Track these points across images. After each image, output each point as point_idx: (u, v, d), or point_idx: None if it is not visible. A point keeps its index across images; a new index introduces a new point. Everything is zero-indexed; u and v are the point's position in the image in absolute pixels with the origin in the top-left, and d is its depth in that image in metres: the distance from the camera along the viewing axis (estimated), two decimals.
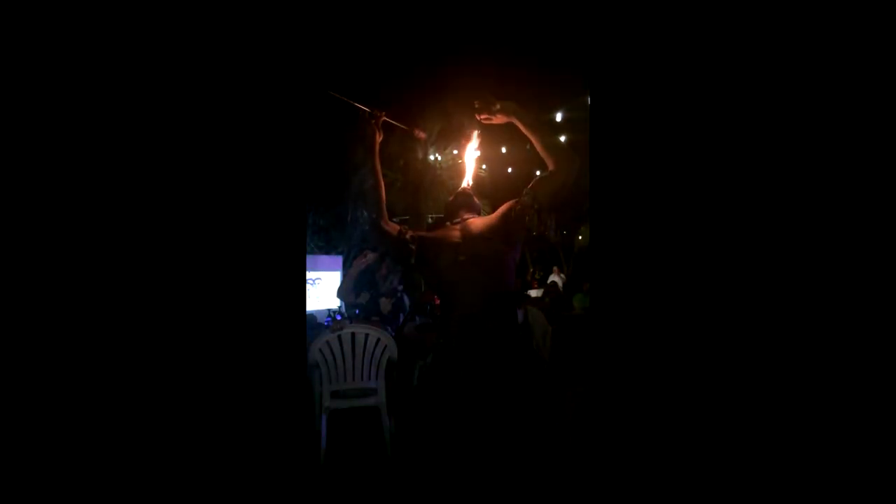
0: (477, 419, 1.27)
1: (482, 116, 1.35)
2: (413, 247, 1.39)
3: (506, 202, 1.39)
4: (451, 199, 1.55)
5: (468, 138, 1.59)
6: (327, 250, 8.12)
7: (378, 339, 2.55)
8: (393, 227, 1.42)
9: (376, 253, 3.14)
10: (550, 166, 1.28)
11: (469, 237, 1.33)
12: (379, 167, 1.43)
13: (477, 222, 1.38)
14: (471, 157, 1.61)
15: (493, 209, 1.42)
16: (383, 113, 1.49)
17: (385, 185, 1.45)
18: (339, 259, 7.65)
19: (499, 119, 1.34)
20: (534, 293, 6.49)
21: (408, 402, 2.91)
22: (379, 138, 1.46)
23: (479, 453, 1.28)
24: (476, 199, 1.54)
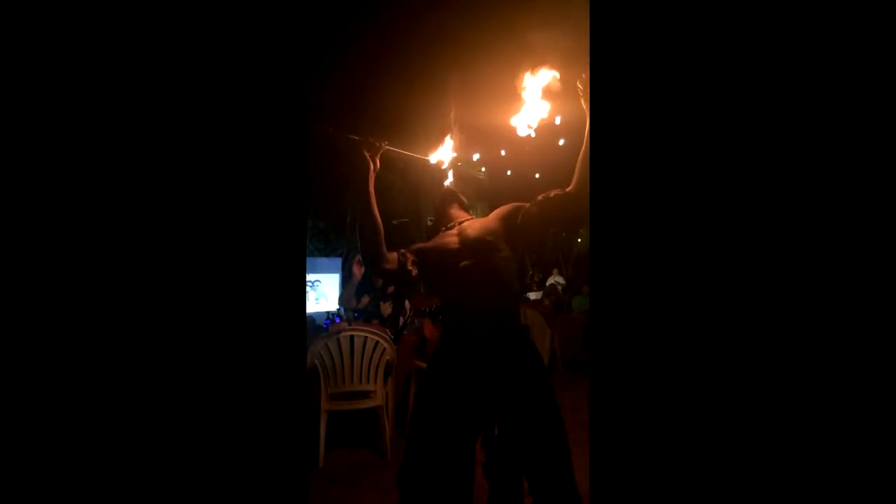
0: (479, 421, 1.26)
1: (581, 88, 1.23)
2: (415, 271, 1.34)
3: (505, 205, 1.38)
4: (437, 200, 1.51)
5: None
6: (327, 253, 8.12)
7: (377, 342, 2.55)
8: (393, 261, 1.35)
9: None
10: (573, 185, 1.20)
11: (468, 242, 1.31)
12: (374, 206, 1.33)
13: (475, 225, 1.36)
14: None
15: (492, 209, 1.41)
16: (384, 143, 1.35)
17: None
18: (338, 261, 7.64)
19: (583, 99, 1.21)
20: (533, 296, 6.48)
21: (407, 405, 2.90)
22: (374, 171, 1.33)
23: (481, 454, 1.28)
24: (461, 196, 1.49)
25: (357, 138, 1.33)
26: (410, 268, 1.34)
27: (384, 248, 1.34)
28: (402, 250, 1.39)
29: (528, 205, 1.31)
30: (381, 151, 1.35)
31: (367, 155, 1.33)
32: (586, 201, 1.11)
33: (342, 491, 2.18)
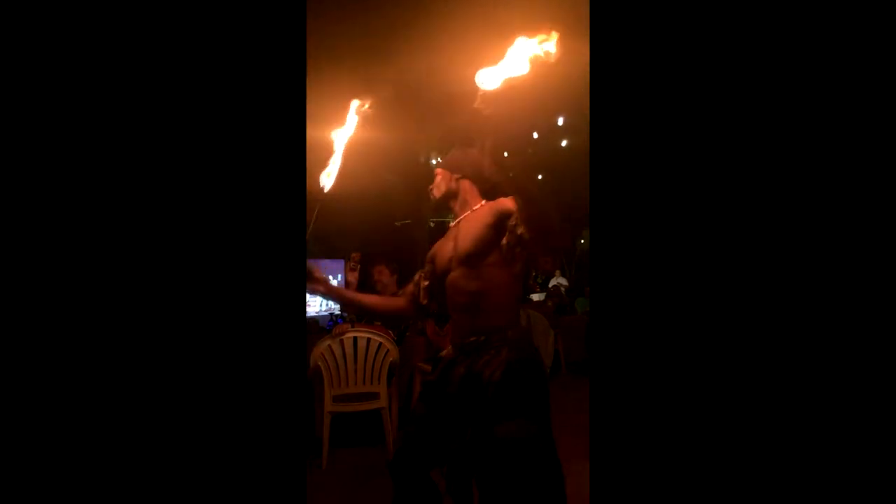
0: (479, 428, 1.26)
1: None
2: (426, 300, 1.42)
3: (500, 200, 1.30)
4: (433, 209, 1.54)
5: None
6: (329, 254, 8.11)
7: (380, 344, 2.55)
8: (410, 306, 1.44)
9: (359, 253, 3.29)
10: (520, 208, 1.17)
11: (458, 250, 1.29)
12: (363, 299, 1.49)
13: (468, 228, 1.31)
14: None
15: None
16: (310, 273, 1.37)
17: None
18: (340, 263, 7.61)
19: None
20: (536, 297, 6.45)
21: (410, 407, 2.90)
22: (325, 280, 1.41)
23: (480, 460, 1.28)
24: (453, 186, 1.40)
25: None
26: (423, 301, 1.42)
27: (399, 310, 1.49)
28: (416, 277, 1.45)
29: (513, 217, 1.22)
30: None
31: (316, 279, 1.38)
32: (543, 211, 1.11)
33: (345, 492, 2.18)
